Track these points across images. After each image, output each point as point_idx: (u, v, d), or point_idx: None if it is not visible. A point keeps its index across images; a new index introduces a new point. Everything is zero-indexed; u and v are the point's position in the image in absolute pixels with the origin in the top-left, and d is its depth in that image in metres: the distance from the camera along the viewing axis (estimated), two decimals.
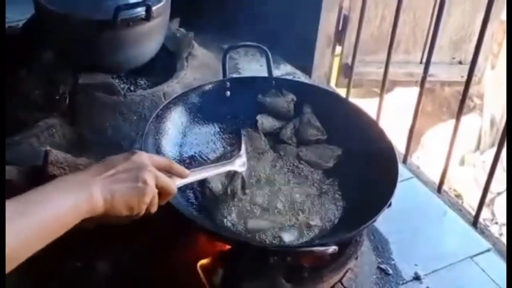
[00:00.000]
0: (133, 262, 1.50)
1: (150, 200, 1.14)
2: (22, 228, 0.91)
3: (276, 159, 1.70)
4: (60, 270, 1.49)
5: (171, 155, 1.59)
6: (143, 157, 1.17)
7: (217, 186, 1.56)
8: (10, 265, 0.88)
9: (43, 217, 0.95)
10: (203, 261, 1.39)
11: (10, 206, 0.91)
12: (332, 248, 1.28)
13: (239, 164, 1.47)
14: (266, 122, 1.76)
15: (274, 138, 1.76)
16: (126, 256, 1.51)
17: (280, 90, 1.77)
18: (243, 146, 1.50)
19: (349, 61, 2.62)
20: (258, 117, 1.75)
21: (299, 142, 1.75)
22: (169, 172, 1.22)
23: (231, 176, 1.58)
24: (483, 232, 2.01)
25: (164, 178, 1.18)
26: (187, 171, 1.27)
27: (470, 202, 3.54)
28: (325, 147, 1.72)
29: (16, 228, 0.90)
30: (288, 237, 1.44)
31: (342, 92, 2.64)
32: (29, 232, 0.92)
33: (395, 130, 2.32)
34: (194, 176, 1.31)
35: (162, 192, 1.18)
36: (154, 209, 1.17)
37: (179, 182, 1.25)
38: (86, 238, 1.41)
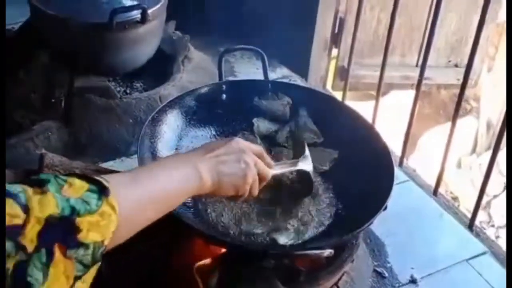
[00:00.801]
0: (131, 266, 1.49)
1: (252, 181, 1.22)
2: (134, 194, 0.96)
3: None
4: None
5: None
6: (242, 142, 1.24)
7: None
8: (126, 230, 0.94)
9: (151, 189, 1.00)
10: (200, 264, 1.39)
11: (120, 176, 0.98)
12: (328, 251, 1.28)
13: (307, 164, 1.49)
14: (262, 125, 1.75)
15: (270, 141, 1.76)
16: (123, 259, 1.50)
17: (276, 93, 1.77)
18: (307, 148, 1.51)
19: (345, 64, 2.63)
20: (254, 120, 1.75)
21: (294, 145, 1.74)
22: (260, 159, 1.27)
23: None
24: (479, 235, 2.01)
25: (261, 163, 1.26)
26: (272, 162, 1.34)
27: (467, 205, 3.54)
28: (321, 150, 1.71)
29: (128, 192, 0.95)
30: (283, 240, 1.44)
31: (338, 95, 2.64)
32: (141, 199, 0.97)
33: (391, 133, 2.32)
34: (275, 170, 1.37)
35: (259, 176, 1.25)
36: (255, 192, 1.26)
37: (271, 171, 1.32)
38: None
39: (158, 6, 2.12)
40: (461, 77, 2.09)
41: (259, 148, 1.30)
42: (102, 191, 0.87)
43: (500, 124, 1.92)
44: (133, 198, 0.96)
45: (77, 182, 0.86)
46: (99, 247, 0.84)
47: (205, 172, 1.13)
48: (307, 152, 1.50)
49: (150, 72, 2.28)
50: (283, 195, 1.55)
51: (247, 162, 1.20)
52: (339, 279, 1.53)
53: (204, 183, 1.13)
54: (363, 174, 1.54)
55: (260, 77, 1.81)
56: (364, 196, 1.48)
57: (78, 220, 0.81)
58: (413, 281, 1.77)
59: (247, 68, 2.75)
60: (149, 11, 2.05)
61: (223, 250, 1.43)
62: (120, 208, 0.89)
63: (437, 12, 2.05)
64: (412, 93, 2.26)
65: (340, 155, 1.68)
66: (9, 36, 2.30)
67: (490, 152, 1.97)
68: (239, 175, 1.19)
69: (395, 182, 1.44)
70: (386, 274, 1.77)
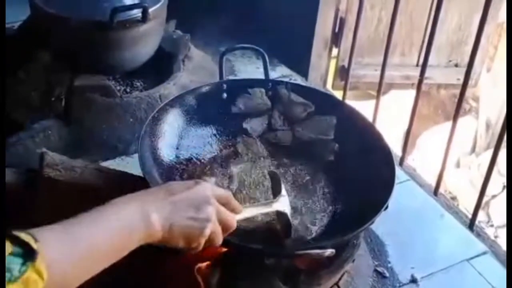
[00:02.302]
0: (131, 266, 1.49)
1: (211, 234, 1.08)
2: (67, 253, 0.87)
3: (273, 162, 1.69)
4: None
5: (168, 157, 1.59)
6: (207, 188, 1.11)
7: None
8: None
9: (88, 245, 0.90)
10: (201, 265, 1.38)
11: (52, 231, 0.87)
12: (329, 251, 1.28)
13: (284, 204, 1.37)
14: (254, 125, 1.76)
15: (269, 135, 1.76)
16: (123, 259, 1.50)
17: (245, 92, 1.76)
18: (283, 186, 1.40)
19: (346, 63, 2.62)
20: (244, 125, 1.75)
21: (290, 124, 1.75)
22: (226, 206, 1.15)
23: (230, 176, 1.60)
24: (479, 235, 2.01)
25: (225, 214, 1.12)
26: (241, 207, 1.21)
27: (466, 204, 3.54)
28: (318, 120, 1.71)
29: (61, 251, 0.86)
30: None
31: (338, 94, 2.64)
32: (75, 257, 0.88)
33: (391, 133, 2.32)
34: (243, 214, 1.23)
35: (222, 226, 1.12)
36: (217, 242, 1.12)
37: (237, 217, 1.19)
38: None
39: (159, 5, 2.12)
40: (461, 77, 2.09)
41: (226, 194, 1.16)
42: (28, 255, 0.78)
43: (499, 124, 1.92)
44: (67, 258, 0.86)
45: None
46: None
47: (156, 218, 1.00)
48: (283, 191, 1.38)
49: (150, 71, 2.28)
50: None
51: (208, 213, 1.07)
52: (340, 278, 1.53)
53: (153, 232, 1.00)
54: (363, 174, 1.54)
55: (261, 76, 1.81)
56: (365, 195, 1.48)
57: None
58: (413, 280, 1.77)
59: (248, 67, 2.75)
60: (150, 10, 2.04)
61: (224, 249, 1.42)
62: (50, 271, 0.80)
63: (438, 12, 2.05)
64: (412, 92, 2.26)
65: (340, 154, 1.68)
66: (9, 35, 2.30)
67: (489, 152, 1.98)
68: (195, 227, 1.05)
69: (396, 181, 1.44)
70: (387, 274, 1.77)
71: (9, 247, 0.77)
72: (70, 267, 0.86)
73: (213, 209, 1.09)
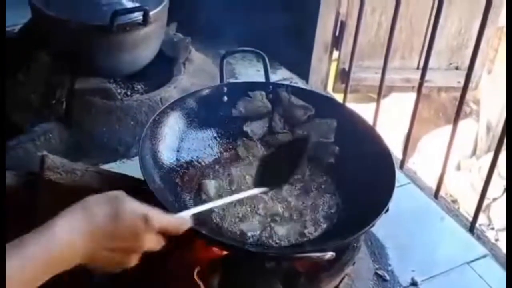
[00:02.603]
0: (131, 268, 1.49)
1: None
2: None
3: None
4: (56, 276, 1.48)
5: (168, 160, 1.59)
6: (147, 243, 1.04)
7: (212, 191, 1.56)
8: None
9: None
10: (201, 268, 1.39)
11: None
12: (329, 254, 1.28)
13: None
14: (254, 128, 1.76)
15: (269, 136, 1.76)
16: None
17: (246, 94, 1.76)
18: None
19: (346, 66, 2.63)
20: (245, 127, 1.75)
21: (291, 127, 1.75)
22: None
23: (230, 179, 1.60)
24: (480, 238, 2.01)
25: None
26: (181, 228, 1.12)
27: (466, 207, 3.54)
28: (319, 122, 1.71)
29: None
30: (281, 231, 1.45)
31: (339, 97, 2.64)
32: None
33: (391, 136, 2.32)
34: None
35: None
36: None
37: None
38: None
39: (159, 8, 2.12)
40: (462, 79, 2.09)
41: (165, 225, 1.07)
42: None
43: (500, 126, 1.92)
44: None
45: None
46: None
47: (81, 253, 0.96)
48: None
49: (151, 74, 2.28)
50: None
51: (131, 263, 1.04)
52: (340, 281, 1.53)
53: (73, 261, 0.96)
54: (364, 177, 1.54)
55: (261, 79, 1.81)
56: (366, 198, 1.48)
57: None
58: (414, 283, 1.77)
59: (248, 70, 2.76)
60: (151, 13, 2.05)
61: (224, 252, 1.42)
62: None
63: (438, 15, 2.05)
64: (412, 95, 2.26)
65: (341, 157, 1.68)
66: (10, 38, 2.30)
67: (489, 155, 1.98)
68: (115, 268, 1.04)
69: (396, 184, 1.44)
70: (387, 277, 1.77)
71: None
72: None
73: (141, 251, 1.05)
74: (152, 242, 1.05)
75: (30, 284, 0.91)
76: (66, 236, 0.94)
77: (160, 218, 1.06)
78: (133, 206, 1.02)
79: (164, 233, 1.07)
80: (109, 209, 0.99)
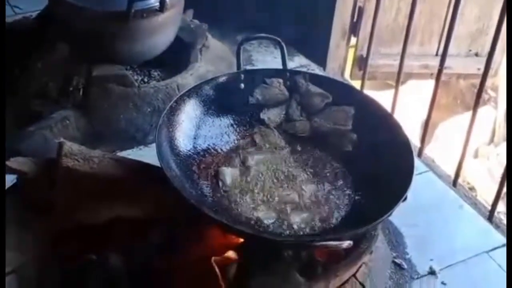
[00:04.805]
0: (148, 256, 1.50)
1: None
2: None
3: (292, 153, 1.68)
4: (76, 262, 1.50)
5: (185, 147, 1.58)
6: None
7: (229, 178, 1.56)
8: None
9: None
10: (218, 256, 1.39)
11: None
12: (347, 243, 1.27)
13: None
14: (271, 115, 1.74)
15: (286, 124, 1.75)
16: (140, 249, 1.50)
17: (263, 81, 1.75)
18: None
19: (364, 53, 2.60)
20: (262, 115, 1.74)
21: (308, 114, 1.74)
22: None
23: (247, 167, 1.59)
24: (499, 226, 1.99)
25: None
26: None
27: (484, 195, 3.51)
28: (336, 110, 1.70)
29: None
30: (296, 219, 1.44)
31: (356, 84, 2.62)
32: None
33: (409, 123, 2.30)
34: None
35: None
36: None
37: None
38: (101, 232, 1.41)
39: None
40: (481, 66, 2.07)
41: None
42: None
43: None
44: None
45: None
46: None
47: None
48: None
49: (168, 61, 2.28)
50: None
51: None
52: (357, 270, 1.52)
53: None
54: (382, 164, 1.53)
55: (278, 66, 1.80)
56: (384, 186, 1.46)
57: None
58: (432, 272, 1.76)
59: (265, 57, 2.74)
60: None
61: (241, 240, 1.42)
62: None
63: (458, 0, 2.02)
64: (431, 82, 2.24)
65: (358, 144, 1.66)
66: (26, 24, 2.31)
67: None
68: None
69: (415, 172, 1.43)
70: (405, 266, 1.76)
71: None
72: None
73: None
74: None
75: None
76: None
77: None
78: None
79: None
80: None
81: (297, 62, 2.76)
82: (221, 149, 1.67)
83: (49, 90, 2.08)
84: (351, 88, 1.95)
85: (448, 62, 2.16)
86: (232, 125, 1.72)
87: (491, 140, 4.23)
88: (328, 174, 1.62)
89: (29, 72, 2.11)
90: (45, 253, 1.19)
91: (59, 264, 1.47)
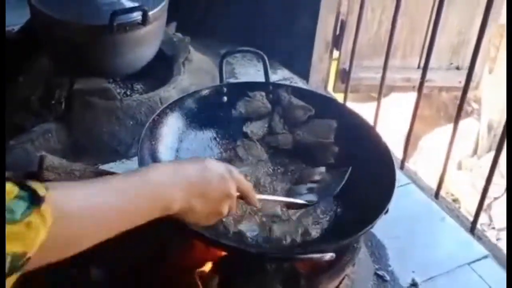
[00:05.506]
0: (130, 269, 1.49)
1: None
2: (83, 205, 0.88)
3: (274, 165, 1.68)
4: (56, 276, 1.48)
5: (168, 160, 1.58)
6: (233, 190, 1.17)
7: None
8: (66, 244, 0.87)
9: (106, 199, 0.93)
10: (201, 269, 1.38)
11: (75, 183, 0.93)
12: (329, 255, 1.27)
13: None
14: (254, 128, 1.75)
15: (269, 137, 1.76)
16: (122, 262, 1.50)
17: (246, 95, 1.76)
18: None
19: (347, 66, 2.62)
20: (244, 128, 1.74)
21: (291, 127, 1.74)
22: (244, 198, 1.24)
23: None
24: (481, 238, 2.00)
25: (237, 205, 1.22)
26: (256, 204, 1.29)
27: (467, 207, 3.53)
28: (319, 123, 1.71)
29: (76, 204, 0.87)
30: (278, 231, 1.44)
31: (339, 97, 2.63)
32: (90, 211, 0.90)
33: (392, 135, 2.31)
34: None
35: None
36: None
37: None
38: None
39: (159, 7, 2.12)
40: (462, 79, 2.08)
41: (247, 187, 1.23)
42: (34, 200, 0.79)
43: (501, 125, 1.92)
44: (76, 212, 0.87)
45: (7, 186, 0.79)
46: (19, 259, 0.77)
47: (177, 204, 1.05)
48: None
49: (150, 74, 2.28)
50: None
51: (225, 212, 1.17)
52: (340, 282, 1.52)
53: (170, 208, 1.04)
54: (364, 177, 1.53)
55: (261, 79, 1.81)
56: (365, 199, 1.47)
57: None
58: (414, 284, 1.76)
59: (248, 70, 2.75)
60: (150, 13, 2.04)
61: (223, 253, 1.42)
62: (57, 221, 0.81)
63: (439, 14, 2.04)
64: (413, 95, 2.25)
65: (341, 157, 1.67)
66: (9, 38, 2.30)
67: (491, 154, 1.97)
68: (209, 220, 1.16)
69: (397, 185, 1.43)
70: (388, 278, 1.76)
71: (15, 190, 0.78)
72: (78, 221, 0.87)
73: (233, 206, 1.19)
74: (235, 193, 1.18)
75: (129, 219, 0.98)
76: (163, 181, 1.03)
77: (238, 173, 1.20)
78: (217, 162, 1.18)
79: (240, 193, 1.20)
80: (197, 163, 1.13)
81: (280, 75, 2.77)
82: None
83: (31, 103, 2.07)
84: (333, 101, 1.97)
85: (429, 75, 2.18)
86: (215, 138, 1.72)
87: (474, 152, 4.26)
88: (310, 187, 1.62)
89: (11, 85, 2.10)
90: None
91: (40, 277, 1.46)
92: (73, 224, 0.86)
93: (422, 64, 2.23)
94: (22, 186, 0.80)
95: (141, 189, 0.99)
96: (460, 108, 2.05)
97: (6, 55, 2.09)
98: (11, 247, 0.75)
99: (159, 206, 1.02)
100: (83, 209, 0.88)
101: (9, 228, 0.75)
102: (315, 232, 1.47)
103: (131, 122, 2.10)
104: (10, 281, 0.77)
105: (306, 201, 1.44)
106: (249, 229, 1.45)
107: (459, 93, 2.10)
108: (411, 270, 1.80)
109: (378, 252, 1.85)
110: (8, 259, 0.75)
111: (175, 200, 1.04)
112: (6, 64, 2.08)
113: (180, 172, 1.08)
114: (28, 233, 0.77)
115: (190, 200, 1.07)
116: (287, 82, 2.65)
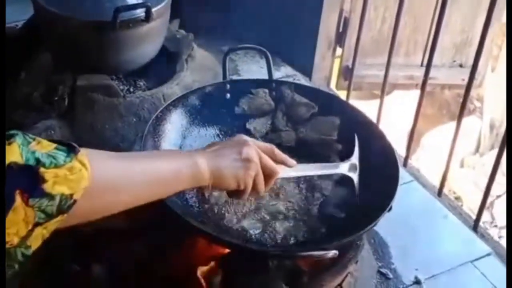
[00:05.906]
0: (132, 266, 1.49)
1: (255, 175, 1.19)
2: (118, 165, 0.96)
3: None
4: (59, 273, 1.48)
5: None
6: (245, 136, 1.24)
7: None
8: (104, 198, 0.93)
9: (139, 166, 1.01)
10: (203, 266, 1.38)
11: (105, 152, 0.97)
12: (332, 252, 1.27)
13: (349, 168, 1.45)
14: (257, 126, 1.75)
15: (273, 134, 1.75)
16: (124, 260, 1.50)
17: (249, 92, 1.76)
18: (356, 150, 1.45)
19: (350, 63, 2.62)
20: (247, 125, 1.74)
21: (294, 124, 1.74)
22: (272, 156, 1.25)
23: None
24: (483, 236, 2.00)
25: (267, 158, 1.23)
26: (292, 161, 1.30)
27: (469, 204, 3.53)
28: (322, 120, 1.71)
29: (111, 161, 0.96)
30: (280, 227, 1.44)
31: (342, 94, 2.63)
32: (124, 172, 0.97)
33: (395, 133, 2.31)
34: (298, 171, 1.35)
35: (265, 172, 1.22)
36: (261, 188, 1.23)
37: (283, 172, 1.28)
38: (85, 242, 1.40)
39: (162, 4, 2.11)
40: (466, 77, 2.08)
41: (266, 145, 1.27)
42: (71, 150, 0.86)
43: (503, 124, 1.91)
44: (116, 166, 0.96)
45: (46, 141, 0.85)
46: (67, 200, 0.83)
47: (203, 162, 1.12)
48: (355, 154, 1.46)
49: (153, 71, 2.27)
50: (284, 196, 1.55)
51: (249, 154, 1.18)
52: (343, 280, 1.52)
53: (201, 174, 1.11)
54: (367, 174, 1.53)
55: (264, 76, 1.80)
56: (369, 196, 1.47)
57: (43, 170, 0.80)
58: (417, 282, 1.76)
59: (251, 67, 2.75)
60: (153, 9, 2.03)
61: (226, 250, 1.42)
62: (98, 170, 0.89)
63: (443, 12, 2.04)
64: (416, 92, 2.25)
65: (344, 155, 1.66)
66: (11, 34, 2.29)
67: (493, 152, 1.97)
68: (239, 166, 1.17)
69: (400, 182, 1.43)
70: (390, 275, 1.76)
71: (53, 144, 0.85)
72: (119, 175, 0.96)
73: (253, 151, 1.19)
74: (264, 160, 1.21)
75: (160, 190, 1.06)
76: (192, 154, 1.14)
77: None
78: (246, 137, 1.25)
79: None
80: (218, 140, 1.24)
81: (283, 72, 2.77)
82: None
83: (33, 99, 2.07)
84: (336, 99, 1.96)
85: (432, 72, 2.18)
86: (218, 135, 1.72)
87: (477, 150, 4.26)
88: (314, 184, 1.62)
89: (13, 82, 2.10)
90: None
91: (42, 274, 1.46)
92: (116, 176, 0.95)
93: (425, 62, 2.22)
94: (59, 142, 0.87)
95: (175, 156, 1.13)
96: (463, 106, 2.05)
97: (8, 51, 2.08)
98: (58, 189, 0.81)
99: (187, 177, 1.09)
100: (117, 169, 0.96)
101: (54, 172, 0.81)
102: (318, 230, 1.47)
103: (134, 119, 2.10)
104: (56, 222, 0.83)
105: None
106: (252, 226, 1.45)
107: (462, 91, 2.10)
108: (414, 268, 1.80)
109: (381, 249, 1.85)
110: (56, 200, 0.81)
111: (205, 172, 1.12)
112: (8, 61, 2.08)
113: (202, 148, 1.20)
114: (72, 176, 0.83)
115: (219, 167, 1.14)
116: (290, 79, 2.64)
